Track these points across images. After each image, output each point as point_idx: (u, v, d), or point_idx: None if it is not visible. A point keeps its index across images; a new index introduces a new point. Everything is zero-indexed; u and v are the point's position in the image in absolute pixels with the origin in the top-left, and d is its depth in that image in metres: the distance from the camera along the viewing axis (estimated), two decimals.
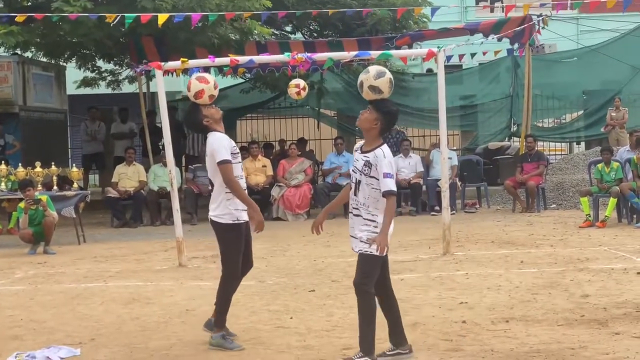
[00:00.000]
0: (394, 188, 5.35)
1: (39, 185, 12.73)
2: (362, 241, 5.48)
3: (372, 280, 5.49)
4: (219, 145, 6.23)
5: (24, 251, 12.06)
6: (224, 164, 6.15)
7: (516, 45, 16.64)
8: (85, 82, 20.14)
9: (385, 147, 5.48)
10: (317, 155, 19.25)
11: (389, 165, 5.38)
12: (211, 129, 6.38)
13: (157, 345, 6.40)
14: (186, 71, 15.99)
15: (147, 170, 15.97)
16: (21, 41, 14.63)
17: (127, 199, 15.46)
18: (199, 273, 9.82)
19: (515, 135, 20.17)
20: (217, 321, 6.31)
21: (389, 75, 5.47)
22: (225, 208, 6.23)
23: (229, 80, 20.42)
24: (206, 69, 14.64)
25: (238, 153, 6.37)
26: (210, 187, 6.48)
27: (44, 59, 19.00)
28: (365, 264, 5.49)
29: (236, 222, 6.26)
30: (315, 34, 20.08)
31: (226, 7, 14.65)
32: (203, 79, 6.36)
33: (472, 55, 18.15)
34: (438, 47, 10.75)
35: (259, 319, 7.28)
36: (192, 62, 11.84)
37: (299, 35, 20.47)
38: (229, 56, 11.22)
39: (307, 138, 19.33)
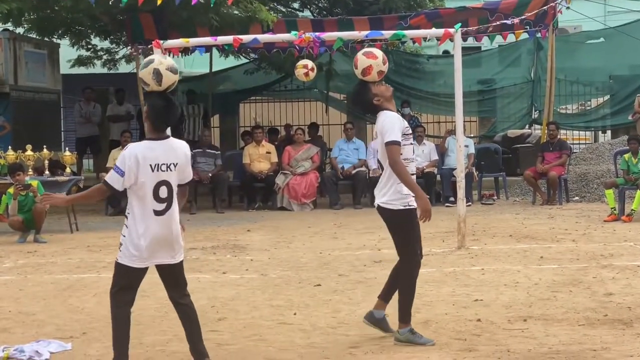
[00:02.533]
0: (108, 180, 5.33)
1: (30, 170, 12.75)
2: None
3: (121, 289, 5.45)
4: (391, 124, 6.15)
5: (13, 239, 12.09)
6: (392, 145, 6.07)
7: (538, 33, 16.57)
8: (80, 61, 20.12)
9: (135, 144, 5.41)
10: (325, 141, 19.22)
11: (119, 159, 5.35)
12: (382, 108, 6.30)
13: (152, 341, 6.41)
14: (187, 51, 16.09)
15: None
16: (15, 8, 14.54)
17: None
18: (198, 265, 9.82)
19: (536, 123, 20.11)
20: (402, 317, 6.24)
21: (154, 65, 5.36)
22: (396, 193, 6.14)
23: (231, 61, 20.39)
24: (208, 48, 14.76)
25: (410, 134, 6.29)
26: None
27: (36, 36, 18.98)
28: (114, 270, 5.50)
29: (408, 207, 6.17)
30: (324, 12, 20.02)
31: None
32: (370, 54, 6.28)
33: (492, 38, 18.06)
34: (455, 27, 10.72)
35: (260, 314, 7.28)
36: (194, 41, 11.85)
37: (307, 13, 20.42)
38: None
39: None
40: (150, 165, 5.33)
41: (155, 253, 5.40)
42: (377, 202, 6.31)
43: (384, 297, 6.45)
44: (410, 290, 6.26)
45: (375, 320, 6.41)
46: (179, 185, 5.51)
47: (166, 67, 5.39)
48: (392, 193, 6.16)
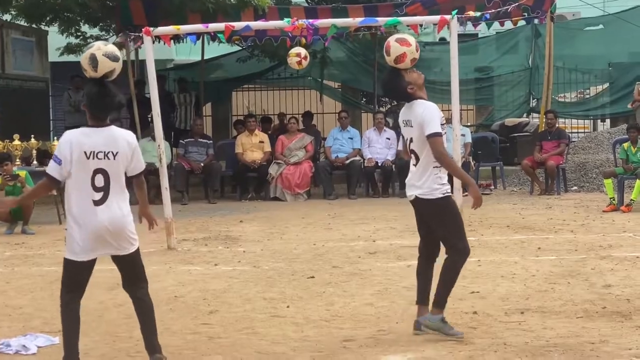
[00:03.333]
0: (47, 170, 5.34)
1: (18, 160, 12.71)
2: None
3: (66, 285, 5.42)
4: (431, 115, 6.07)
5: (0, 231, 12.06)
6: (435, 137, 6.01)
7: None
8: (69, 49, 20.02)
9: (71, 131, 5.39)
10: (319, 130, 19.20)
11: (57, 147, 5.36)
12: (416, 97, 6.21)
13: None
14: (178, 38, 16.05)
15: None
16: None
17: None
18: (189, 257, 9.81)
19: (534, 111, 20.11)
20: (439, 301, 6.14)
21: (91, 51, 5.32)
22: (435, 182, 6.09)
23: (224, 48, 20.33)
24: (199, 36, 14.71)
25: (445, 124, 6.23)
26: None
27: (24, 23, 18.90)
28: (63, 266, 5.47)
29: (447, 194, 6.13)
30: None
31: None
32: (404, 41, 6.19)
33: (489, 25, 18.07)
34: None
35: (253, 307, 7.27)
36: (185, 28, 11.79)
37: (301, 0, 20.37)
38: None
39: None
40: (85, 152, 5.27)
41: (98, 245, 5.32)
42: (413, 193, 6.18)
43: (422, 300, 6.35)
44: (453, 280, 6.18)
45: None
46: (132, 177, 5.47)
47: (103, 53, 5.32)
48: (430, 183, 6.09)
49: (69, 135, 5.34)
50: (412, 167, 6.28)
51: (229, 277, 8.56)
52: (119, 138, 5.38)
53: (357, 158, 16.21)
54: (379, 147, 16.22)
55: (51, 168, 5.32)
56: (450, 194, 6.18)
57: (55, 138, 14.85)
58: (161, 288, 8.05)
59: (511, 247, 9.90)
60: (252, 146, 16.29)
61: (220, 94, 21.49)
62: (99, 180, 5.30)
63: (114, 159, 5.32)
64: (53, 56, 20.12)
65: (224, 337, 6.38)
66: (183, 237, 11.10)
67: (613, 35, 19.82)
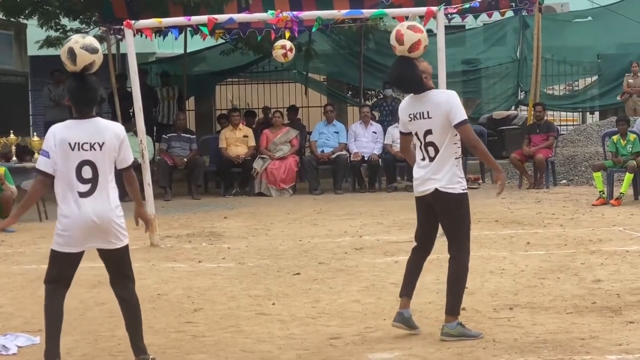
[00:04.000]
0: (37, 166, 5.37)
1: None
2: None
3: (51, 276, 5.43)
4: (457, 102, 5.99)
5: None
6: (466, 124, 5.95)
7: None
8: (49, 42, 19.93)
9: (56, 124, 5.43)
10: (304, 124, 19.20)
11: (44, 141, 5.40)
12: (428, 87, 6.12)
13: (125, 333, 6.33)
14: (160, 31, 16.02)
15: None
16: None
17: None
18: (173, 254, 9.79)
19: (522, 104, 20.14)
20: (453, 309, 6.03)
21: (69, 44, 5.33)
22: (456, 176, 5.99)
23: (207, 41, 20.29)
24: (181, 29, 14.68)
25: None
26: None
27: (2, 16, 18.80)
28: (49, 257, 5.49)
29: (466, 190, 6.04)
30: None
31: None
32: (417, 28, 6.08)
33: (476, 17, 18.11)
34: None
35: (238, 304, 7.26)
36: (167, 21, 11.77)
37: None
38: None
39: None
40: (70, 144, 5.28)
41: (85, 237, 5.31)
42: (431, 187, 6.02)
43: (408, 293, 6.29)
44: (464, 280, 6.11)
45: (407, 319, 6.21)
46: (121, 170, 5.47)
47: (81, 46, 5.32)
48: (451, 176, 5.98)
49: (54, 127, 5.38)
50: (420, 162, 6.12)
51: (213, 274, 8.54)
52: (105, 129, 5.39)
53: (343, 152, 16.21)
54: (365, 141, 16.22)
55: (41, 163, 5.33)
56: (467, 190, 6.09)
57: (34, 133, 14.75)
58: (144, 286, 8.01)
59: (500, 242, 9.92)
60: (236, 141, 16.26)
61: (204, 87, 21.45)
62: (86, 172, 5.30)
63: (100, 150, 5.33)
64: (32, 50, 20.03)
65: (209, 335, 6.36)
66: (166, 233, 11.07)
67: (602, 27, 19.88)
